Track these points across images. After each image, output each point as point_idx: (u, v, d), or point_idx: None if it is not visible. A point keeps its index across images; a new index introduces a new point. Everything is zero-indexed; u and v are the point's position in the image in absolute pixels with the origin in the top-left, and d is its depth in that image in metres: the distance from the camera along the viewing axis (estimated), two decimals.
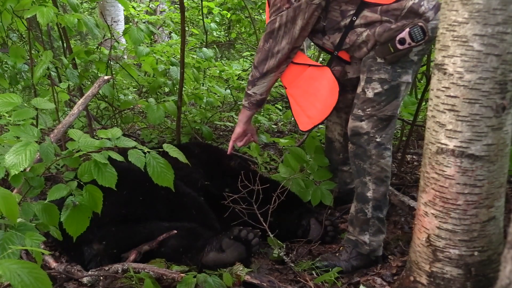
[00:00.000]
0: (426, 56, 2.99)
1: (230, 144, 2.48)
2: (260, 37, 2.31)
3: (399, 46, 1.96)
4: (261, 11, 5.65)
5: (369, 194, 2.08)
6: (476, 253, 1.62)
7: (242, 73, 4.02)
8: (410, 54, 2.01)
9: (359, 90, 2.10)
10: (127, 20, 6.39)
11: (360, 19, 2.04)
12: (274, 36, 2.13)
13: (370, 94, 2.05)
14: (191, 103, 4.23)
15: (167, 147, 1.63)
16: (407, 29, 1.94)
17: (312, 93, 2.20)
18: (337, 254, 2.16)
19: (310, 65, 2.20)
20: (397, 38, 1.95)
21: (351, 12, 2.05)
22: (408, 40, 1.94)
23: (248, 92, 2.28)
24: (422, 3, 1.96)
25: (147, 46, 3.57)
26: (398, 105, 2.07)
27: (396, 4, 1.98)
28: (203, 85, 3.85)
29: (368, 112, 2.06)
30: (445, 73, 1.55)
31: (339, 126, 2.51)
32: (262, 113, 4.09)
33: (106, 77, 2.41)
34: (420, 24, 1.93)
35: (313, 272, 2.05)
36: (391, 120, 2.07)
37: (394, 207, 2.56)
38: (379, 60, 2.03)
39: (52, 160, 1.48)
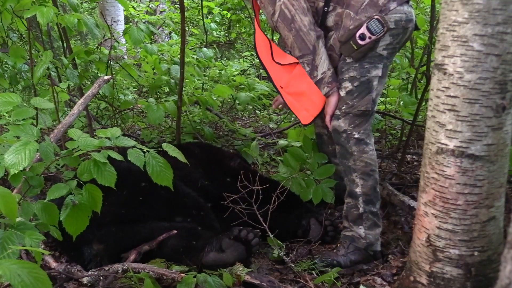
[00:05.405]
0: (425, 56, 2.99)
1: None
2: None
3: (360, 42, 2.03)
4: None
5: (358, 190, 2.14)
6: (476, 253, 1.62)
7: (239, 78, 4.00)
8: (378, 48, 2.06)
9: None
10: (127, 20, 6.39)
11: (335, 16, 2.12)
12: (290, 20, 2.12)
13: (342, 93, 2.13)
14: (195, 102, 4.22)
15: (166, 147, 1.62)
16: (365, 24, 2.02)
17: (305, 88, 2.23)
18: (334, 250, 2.17)
19: (297, 63, 2.23)
20: (357, 34, 2.03)
21: (321, 4, 2.14)
22: (368, 34, 2.02)
23: (318, 78, 2.14)
24: None
25: None
26: (372, 99, 2.11)
27: None
28: (203, 86, 3.84)
29: (344, 110, 2.13)
30: (445, 73, 1.55)
31: (320, 120, 2.51)
32: (262, 113, 4.09)
33: (106, 77, 2.40)
34: (376, 17, 2.00)
35: (313, 272, 2.04)
36: (367, 115, 2.13)
37: (394, 207, 2.56)
38: (348, 60, 2.11)
39: (51, 159, 1.48)
